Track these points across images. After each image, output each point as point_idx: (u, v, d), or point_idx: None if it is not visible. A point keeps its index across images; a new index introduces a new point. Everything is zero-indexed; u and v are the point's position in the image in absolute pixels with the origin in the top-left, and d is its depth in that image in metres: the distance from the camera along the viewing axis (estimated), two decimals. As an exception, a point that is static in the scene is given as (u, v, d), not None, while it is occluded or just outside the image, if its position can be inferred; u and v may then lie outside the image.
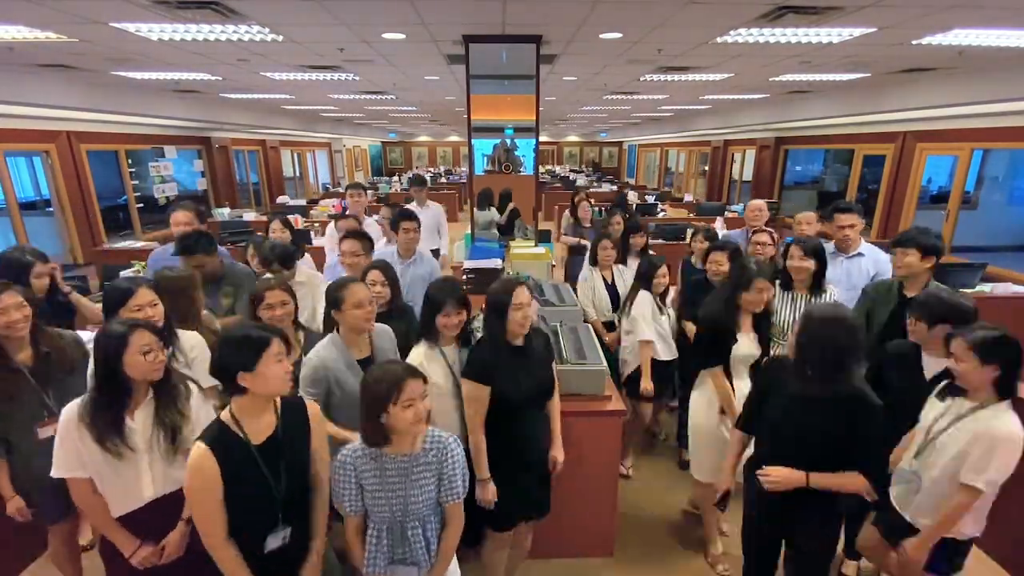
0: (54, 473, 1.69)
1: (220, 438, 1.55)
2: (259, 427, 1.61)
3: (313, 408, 1.79)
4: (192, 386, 1.88)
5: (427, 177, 14.84)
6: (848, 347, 1.80)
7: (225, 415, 1.61)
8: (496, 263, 4.57)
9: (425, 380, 1.64)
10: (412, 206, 4.75)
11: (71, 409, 1.68)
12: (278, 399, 1.69)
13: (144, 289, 2.06)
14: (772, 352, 2.74)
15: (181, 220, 3.27)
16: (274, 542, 1.64)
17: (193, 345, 2.19)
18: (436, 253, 4.33)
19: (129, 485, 1.72)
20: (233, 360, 1.54)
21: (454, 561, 1.83)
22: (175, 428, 1.74)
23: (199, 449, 1.52)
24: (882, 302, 2.62)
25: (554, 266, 5.41)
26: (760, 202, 4.35)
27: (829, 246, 3.56)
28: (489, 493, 2.11)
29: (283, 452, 1.63)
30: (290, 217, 6.58)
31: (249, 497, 1.57)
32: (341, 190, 15.20)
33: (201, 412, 1.84)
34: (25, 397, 2.05)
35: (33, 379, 2.06)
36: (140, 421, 1.71)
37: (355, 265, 2.95)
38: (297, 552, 1.71)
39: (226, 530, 1.55)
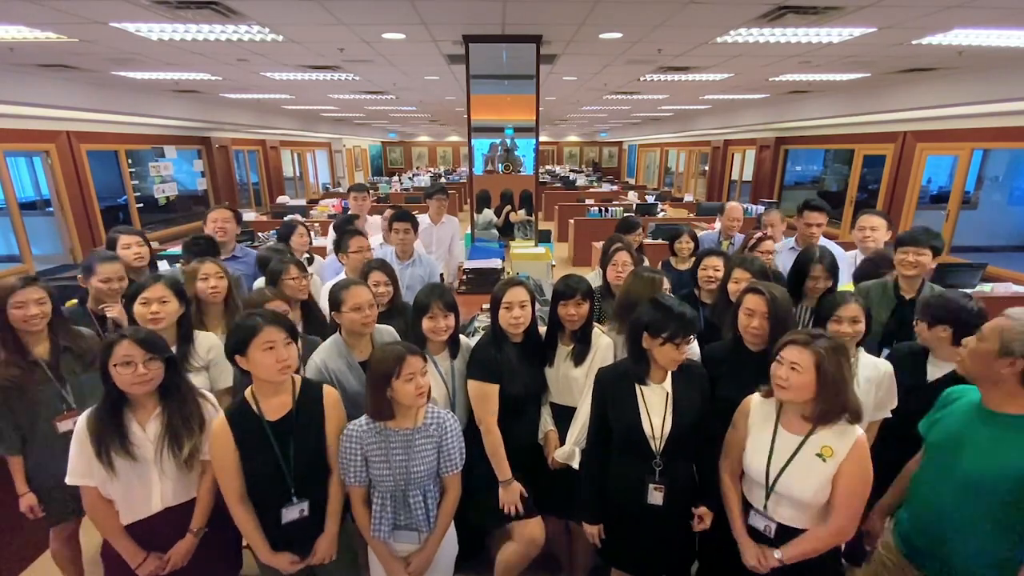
0: (68, 480, 1.67)
1: (238, 411, 1.72)
2: (275, 405, 1.74)
3: (330, 393, 1.85)
4: (206, 396, 1.85)
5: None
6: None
7: (248, 392, 1.75)
8: (496, 263, 4.57)
9: (424, 358, 1.76)
10: (423, 219, 4.29)
11: (83, 417, 1.67)
12: (297, 382, 1.80)
13: (159, 285, 2.06)
14: None
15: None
16: (290, 514, 1.75)
17: (210, 347, 2.16)
18: (441, 278, 3.89)
19: (137, 494, 1.70)
20: (230, 343, 1.70)
21: (452, 531, 1.94)
22: (184, 440, 1.70)
23: (218, 419, 1.69)
24: (879, 303, 2.61)
25: (554, 266, 5.41)
26: (738, 207, 4.11)
27: (789, 241, 3.59)
28: (514, 493, 2.05)
29: (295, 430, 1.74)
30: (288, 217, 6.55)
31: (261, 467, 1.70)
32: (341, 190, 15.24)
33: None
34: (43, 390, 2.04)
35: (50, 373, 2.05)
36: (152, 432, 1.68)
37: (361, 261, 2.93)
38: (317, 530, 1.82)
39: (242, 493, 1.71)
